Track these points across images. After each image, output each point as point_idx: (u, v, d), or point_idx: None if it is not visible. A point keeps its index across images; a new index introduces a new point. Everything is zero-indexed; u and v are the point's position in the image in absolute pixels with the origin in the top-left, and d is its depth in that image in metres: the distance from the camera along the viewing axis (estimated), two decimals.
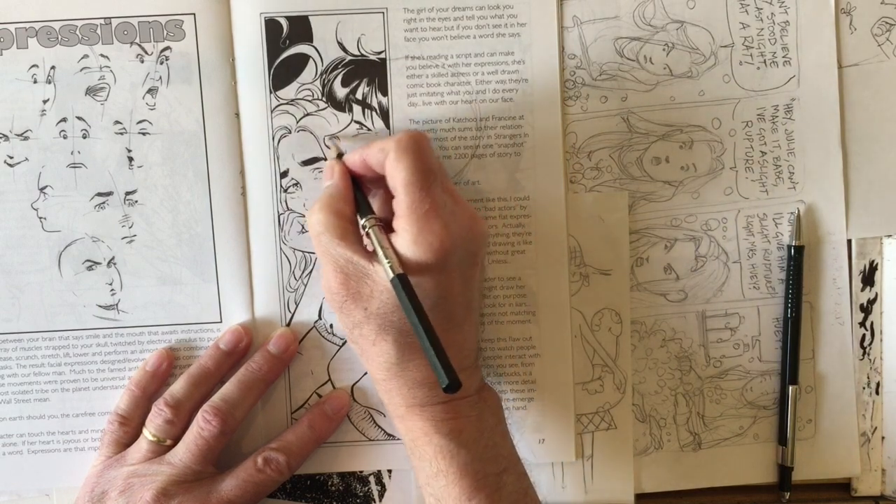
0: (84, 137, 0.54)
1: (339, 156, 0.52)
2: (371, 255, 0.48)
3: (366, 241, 0.49)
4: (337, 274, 0.48)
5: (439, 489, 0.48)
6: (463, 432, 0.48)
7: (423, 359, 0.48)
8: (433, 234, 0.46)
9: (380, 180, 0.50)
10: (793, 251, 0.56)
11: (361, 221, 0.49)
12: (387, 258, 0.46)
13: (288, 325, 0.56)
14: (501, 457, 0.49)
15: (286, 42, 0.54)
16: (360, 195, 0.51)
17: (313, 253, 0.55)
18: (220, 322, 0.55)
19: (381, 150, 0.48)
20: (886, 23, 0.55)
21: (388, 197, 0.50)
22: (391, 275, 0.46)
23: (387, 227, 0.49)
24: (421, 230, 0.46)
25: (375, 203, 0.52)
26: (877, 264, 0.57)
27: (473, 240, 0.49)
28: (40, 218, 0.55)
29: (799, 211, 0.56)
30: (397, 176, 0.47)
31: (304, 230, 0.55)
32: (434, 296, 0.47)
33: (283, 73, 0.54)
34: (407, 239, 0.47)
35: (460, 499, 0.47)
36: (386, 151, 0.48)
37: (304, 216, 0.55)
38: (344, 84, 0.54)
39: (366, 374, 0.56)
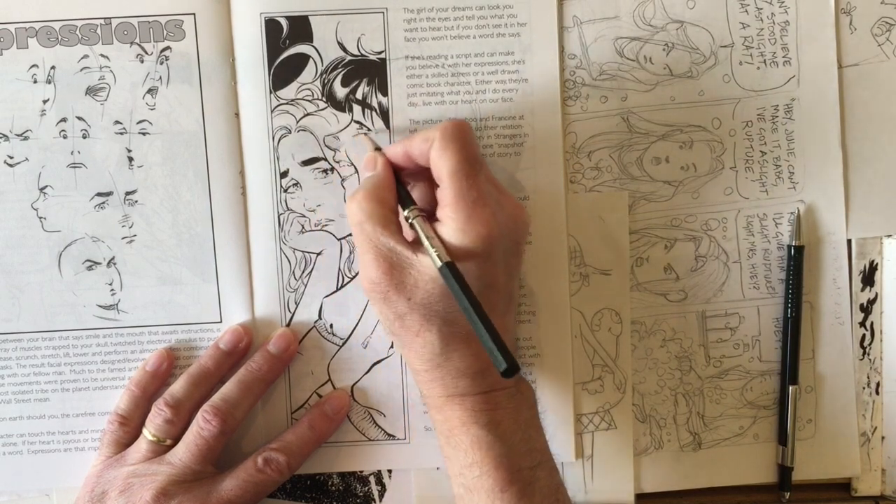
0: (84, 137, 0.54)
1: (377, 149, 0.52)
2: (413, 245, 0.47)
3: (406, 232, 0.49)
4: (380, 263, 0.47)
5: (472, 480, 0.48)
6: (501, 424, 0.48)
7: (466, 348, 0.47)
8: (481, 222, 0.46)
9: (419, 173, 0.50)
10: (793, 251, 0.56)
11: (405, 213, 0.48)
12: (433, 247, 0.46)
13: (288, 325, 0.56)
14: (536, 450, 0.49)
15: (286, 42, 0.54)
16: (401, 187, 0.50)
17: (314, 253, 0.55)
18: (220, 322, 0.55)
19: (425, 139, 0.48)
20: (886, 23, 0.55)
21: (428, 189, 0.49)
22: (439, 263, 0.45)
23: (429, 217, 0.48)
24: (469, 218, 0.46)
25: (414, 195, 0.51)
26: (877, 264, 0.57)
27: (518, 229, 0.49)
28: (40, 218, 0.55)
29: (799, 211, 0.56)
30: (443, 165, 0.47)
31: (303, 230, 0.55)
32: (478, 285, 0.46)
33: (283, 73, 0.54)
34: (453, 227, 0.46)
35: (493, 490, 0.47)
36: (430, 140, 0.47)
37: (304, 216, 0.55)
38: (344, 84, 0.54)
39: (366, 374, 0.56)
